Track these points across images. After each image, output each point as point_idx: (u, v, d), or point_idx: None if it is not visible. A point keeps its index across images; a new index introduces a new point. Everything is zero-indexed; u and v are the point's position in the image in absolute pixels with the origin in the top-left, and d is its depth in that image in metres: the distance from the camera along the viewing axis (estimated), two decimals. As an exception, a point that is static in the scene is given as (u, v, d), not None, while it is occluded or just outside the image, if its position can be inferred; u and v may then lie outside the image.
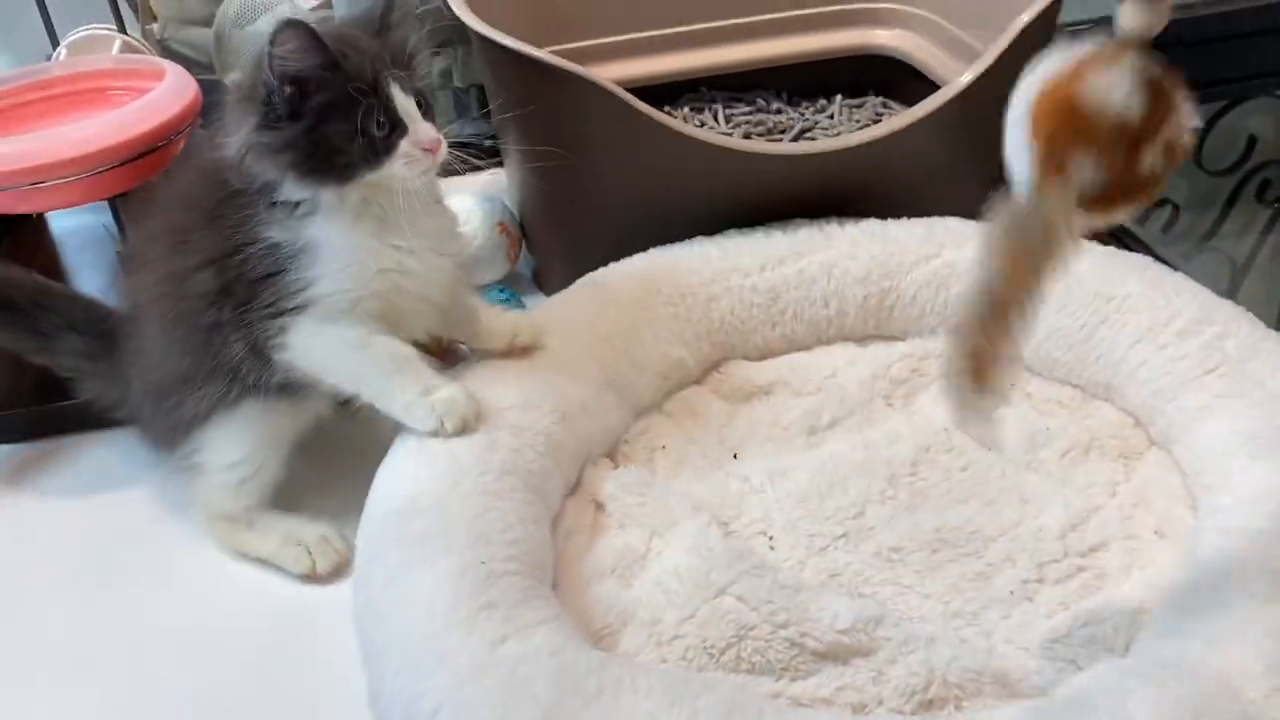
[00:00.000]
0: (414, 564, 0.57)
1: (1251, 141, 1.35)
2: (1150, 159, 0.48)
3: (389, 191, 0.61)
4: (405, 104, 0.60)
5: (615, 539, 0.66)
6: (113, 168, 0.73)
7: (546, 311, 0.76)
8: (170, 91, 0.77)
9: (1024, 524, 0.65)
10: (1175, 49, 1.28)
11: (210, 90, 1.27)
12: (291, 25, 0.56)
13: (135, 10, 1.29)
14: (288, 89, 0.58)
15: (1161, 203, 1.34)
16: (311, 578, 0.66)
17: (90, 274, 0.93)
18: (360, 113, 0.58)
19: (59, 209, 0.85)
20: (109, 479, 0.76)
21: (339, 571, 0.66)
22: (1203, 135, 1.33)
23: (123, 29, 0.91)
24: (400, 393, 0.63)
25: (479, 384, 0.68)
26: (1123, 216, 0.50)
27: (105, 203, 0.90)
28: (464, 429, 0.63)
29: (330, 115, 0.58)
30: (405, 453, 0.64)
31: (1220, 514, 0.61)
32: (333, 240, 0.61)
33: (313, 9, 1.29)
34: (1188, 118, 0.48)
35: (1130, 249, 0.84)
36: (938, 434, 0.72)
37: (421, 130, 0.60)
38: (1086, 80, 0.47)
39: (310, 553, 0.66)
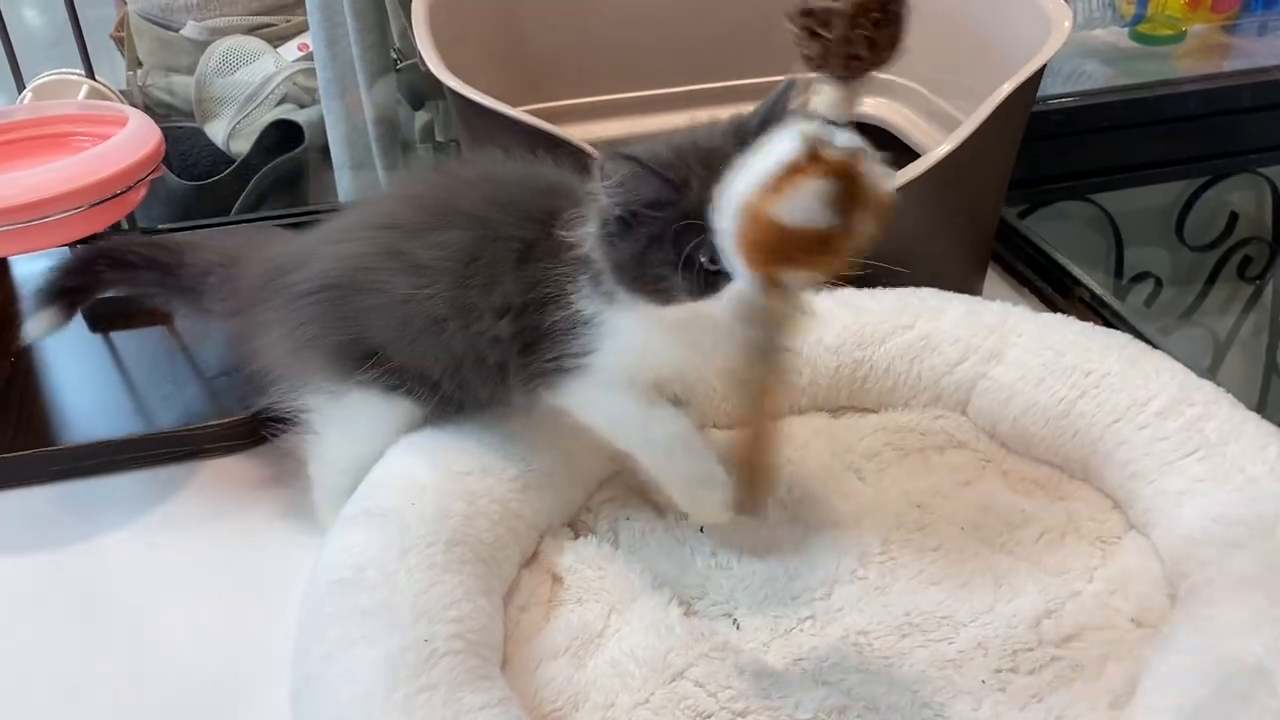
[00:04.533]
0: (354, 641, 0.54)
1: (1233, 218, 1.35)
2: (857, 239, 0.48)
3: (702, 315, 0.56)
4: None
5: (571, 614, 0.63)
6: (68, 214, 0.71)
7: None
8: (130, 139, 0.75)
9: (997, 609, 0.62)
10: (1158, 125, 1.28)
11: (190, 137, 1.28)
12: (619, 159, 0.52)
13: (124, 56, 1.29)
14: (618, 215, 0.55)
15: (1143, 277, 1.34)
16: None
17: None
18: (689, 245, 0.53)
19: (11, 255, 0.83)
20: (43, 539, 0.73)
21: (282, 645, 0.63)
22: (1184, 210, 1.33)
23: (91, 74, 0.90)
24: (678, 476, 0.62)
25: (437, 448, 0.66)
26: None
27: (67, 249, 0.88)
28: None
29: (659, 242, 0.54)
30: (353, 520, 0.62)
31: (1199, 604, 0.59)
32: (634, 329, 0.59)
33: (296, 59, 1.30)
34: (883, 183, 0.48)
35: (1110, 324, 0.82)
36: (910, 510, 0.69)
37: None
38: (779, 204, 0.47)
39: None
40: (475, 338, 0.62)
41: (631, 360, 0.60)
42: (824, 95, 0.48)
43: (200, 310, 0.73)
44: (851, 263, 0.49)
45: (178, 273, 0.72)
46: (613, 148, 0.53)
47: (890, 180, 0.49)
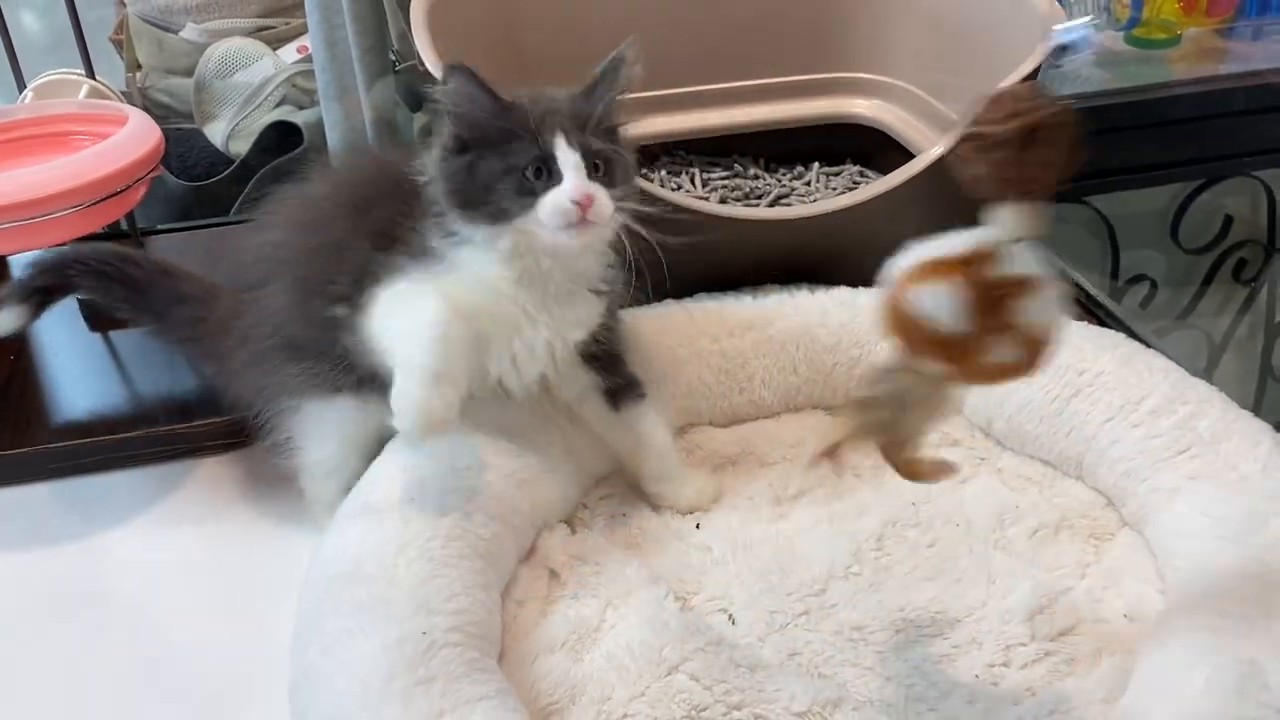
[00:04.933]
0: (353, 633, 0.54)
1: (1228, 221, 1.36)
2: (996, 355, 0.48)
3: (537, 252, 0.61)
4: (569, 157, 0.59)
5: (568, 609, 0.63)
6: (67, 212, 0.71)
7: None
8: (130, 137, 0.76)
9: (991, 605, 0.63)
10: (1153, 128, 1.29)
11: (189, 138, 1.28)
12: (453, 69, 0.58)
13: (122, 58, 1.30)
14: (454, 126, 0.60)
15: (1139, 279, 1.35)
16: None
17: (50, 319, 0.91)
18: (514, 153, 0.59)
19: (13, 253, 0.83)
20: (41, 535, 0.73)
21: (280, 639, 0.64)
22: (1179, 213, 1.34)
23: (91, 74, 0.90)
24: (402, 360, 0.58)
25: (435, 444, 0.66)
26: (1008, 383, 0.51)
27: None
28: (420, 440, 0.60)
29: (488, 153, 0.59)
30: (352, 515, 0.62)
31: (1190, 599, 0.59)
32: (472, 268, 0.61)
33: (296, 61, 1.30)
34: (1040, 314, 0.48)
35: (1104, 325, 0.83)
36: (905, 508, 0.70)
37: (575, 184, 0.58)
38: (909, 293, 0.48)
39: None
40: (340, 273, 0.63)
41: (464, 296, 0.60)
42: (1002, 215, 0.48)
43: (163, 334, 0.76)
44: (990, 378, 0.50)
45: (148, 294, 0.73)
46: (453, 61, 0.59)
47: (1063, 321, 0.49)
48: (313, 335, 0.65)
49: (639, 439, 0.70)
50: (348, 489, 0.66)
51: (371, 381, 0.65)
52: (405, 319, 0.59)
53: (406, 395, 0.57)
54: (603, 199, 0.59)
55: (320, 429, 0.68)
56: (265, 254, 0.68)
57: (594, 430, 0.70)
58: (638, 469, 0.71)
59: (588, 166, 0.59)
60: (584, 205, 0.58)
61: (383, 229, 0.63)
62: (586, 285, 0.65)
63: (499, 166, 0.59)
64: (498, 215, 0.60)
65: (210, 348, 0.72)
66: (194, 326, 0.73)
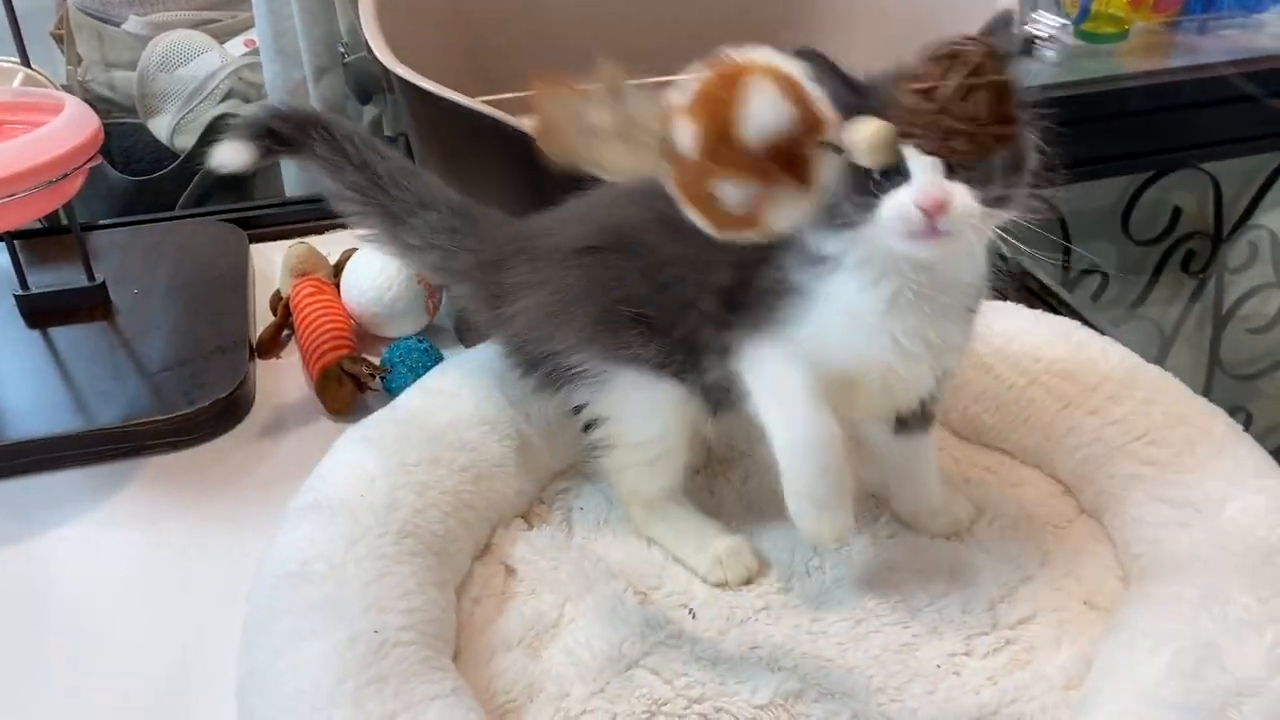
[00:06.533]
0: (302, 634, 0.53)
1: (1176, 213, 1.37)
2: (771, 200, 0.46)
3: (904, 269, 0.53)
4: (919, 157, 0.49)
5: (525, 605, 0.62)
6: (1, 202, 0.68)
7: (466, 365, 0.73)
8: (67, 125, 0.73)
9: (952, 595, 0.62)
10: (1102, 121, 1.29)
11: (133, 133, 1.25)
12: (804, 52, 0.48)
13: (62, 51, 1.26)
14: None
15: (1090, 271, 1.36)
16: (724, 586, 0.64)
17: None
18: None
19: (-55, 246, 0.80)
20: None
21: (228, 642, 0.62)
22: (1129, 206, 1.35)
23: (27, 62, 0.87)
24: (800, 484, 0.57)
25: (386, 440, 0.65)
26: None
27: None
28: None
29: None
30: (301, 513, 0.60)
31: (1150, 584, 0.60)
32: (838, 304, 0.55)
33: (243, 54, 1.28)
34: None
35: (1058, 313, 0.83)
36: (865, 501, 0.69)
37: (924, 185, 0.49)
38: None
39: (722, 564, 0.64)
40: (702, 293, 0.59)
41: (833, 340, 0.56)
42: (868, 131, 0.46)
43: (394, 239, 0.70)
44: None
45: (388, 191, 0.68)
46: (805, 46, 0.49)
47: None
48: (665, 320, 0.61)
49: (914, 470, 0.66)
50: (676, 479, 0.65)
51: (703, 376, 0.61)
52: (787, 422, 0.56)
53: (801, 516, 0.57)
54: (961, 202, 0.49)
55: (644, 407, 0.63)
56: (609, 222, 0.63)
57: (874, 448, 0.67)
58: (898, 493, 0.68)
59: (951, 171, 0.50)
60: (931, 211, 0.49)
61: (741, 259, 0.57)
62: (965, 304, 0.57)
63: (846, 163, 0.49)
64: (844, 223, 0.52)
65: (461, 265, 0.68)
66: (444, 236, 0.68)
